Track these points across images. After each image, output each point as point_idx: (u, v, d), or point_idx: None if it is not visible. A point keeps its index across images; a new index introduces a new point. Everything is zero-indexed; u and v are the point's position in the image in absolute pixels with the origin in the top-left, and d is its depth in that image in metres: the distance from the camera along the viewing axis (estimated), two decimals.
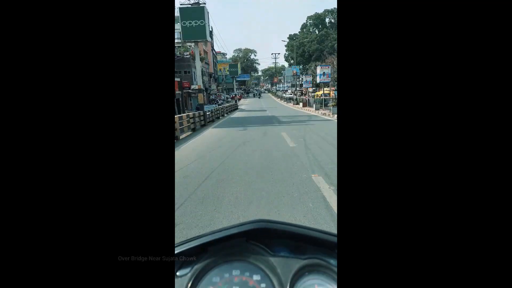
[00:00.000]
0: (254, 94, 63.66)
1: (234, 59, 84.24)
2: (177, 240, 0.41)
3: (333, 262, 0.40)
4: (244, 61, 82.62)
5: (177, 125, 8.34)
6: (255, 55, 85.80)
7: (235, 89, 56.51)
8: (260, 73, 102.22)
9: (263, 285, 0.39)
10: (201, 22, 17.17)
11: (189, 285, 0.39)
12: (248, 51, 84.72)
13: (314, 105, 19.63)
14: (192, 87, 23.88)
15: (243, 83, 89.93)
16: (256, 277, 0.40)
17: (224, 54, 70.36)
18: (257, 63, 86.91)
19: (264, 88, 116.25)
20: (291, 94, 39.23)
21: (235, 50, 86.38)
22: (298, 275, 0.39)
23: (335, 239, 0.41)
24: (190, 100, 25.88)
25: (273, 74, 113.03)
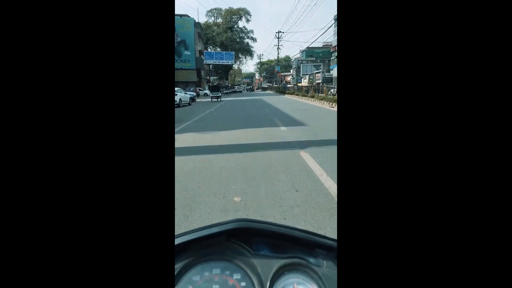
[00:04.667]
0: (247, 89, 48.27)
1: (205, 27, 43.79)
2: None
3: (313, 260, 0.41)
4: (228, 32, 42.28)
5: None
6: (248, 20, 45.46)
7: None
8: (255, 58, 62.82)
9: (243, 283, 0.39)
10: None
11: None
12: (232, 13, 44.04)
13: None
14: None
15: (224, 72, 49.82)
16: (236, 276, 0.40)
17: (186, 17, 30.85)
18: (252, 38, 46.53)
19: (256, 85, 78.06)
20: None
21: (210, 12, 45.70)
22: (278, 274, 0.40)
23: (315, 238, 0.42)
24: None
25: (271, 68, 74.53)
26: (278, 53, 43.56)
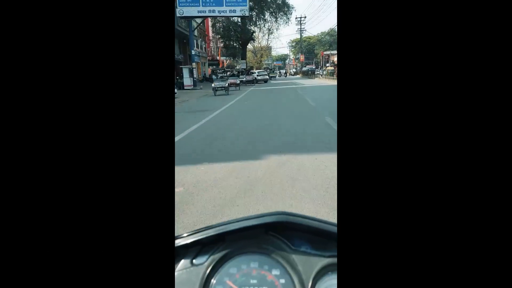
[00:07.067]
0: (281, 74, 38.23)
1: None
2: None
3: None
4: None
5: None
6: None
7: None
8: (292, 26, 42.34)
9: (282, 280, 0.38)
10: None
11: (206, 275, 0.39)
12: None
13: None
14: None
15: (240, 48, 29.78)
16: (275, 272, 0.39)
17: None
18: None
19: (291, 68, 56.92)
20: None
21: None
22: (321, 274, 0.39)
23: None
24: None
25: (310, 46, 52.38)
26: None
